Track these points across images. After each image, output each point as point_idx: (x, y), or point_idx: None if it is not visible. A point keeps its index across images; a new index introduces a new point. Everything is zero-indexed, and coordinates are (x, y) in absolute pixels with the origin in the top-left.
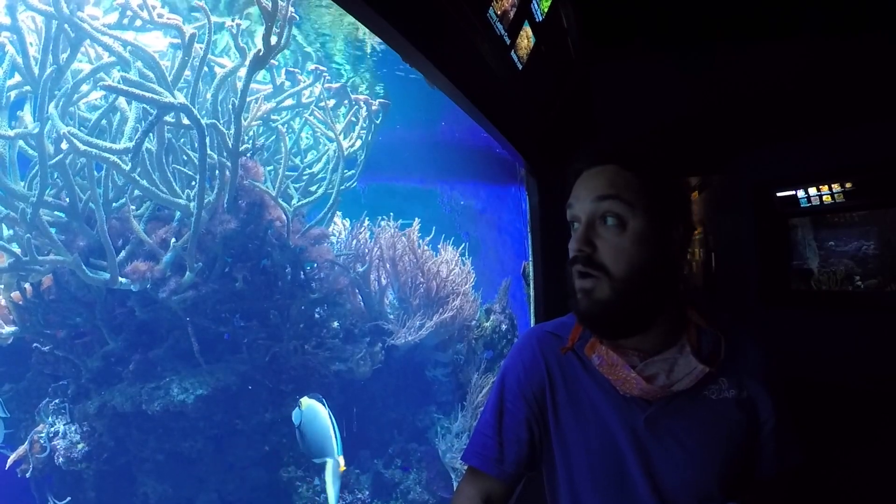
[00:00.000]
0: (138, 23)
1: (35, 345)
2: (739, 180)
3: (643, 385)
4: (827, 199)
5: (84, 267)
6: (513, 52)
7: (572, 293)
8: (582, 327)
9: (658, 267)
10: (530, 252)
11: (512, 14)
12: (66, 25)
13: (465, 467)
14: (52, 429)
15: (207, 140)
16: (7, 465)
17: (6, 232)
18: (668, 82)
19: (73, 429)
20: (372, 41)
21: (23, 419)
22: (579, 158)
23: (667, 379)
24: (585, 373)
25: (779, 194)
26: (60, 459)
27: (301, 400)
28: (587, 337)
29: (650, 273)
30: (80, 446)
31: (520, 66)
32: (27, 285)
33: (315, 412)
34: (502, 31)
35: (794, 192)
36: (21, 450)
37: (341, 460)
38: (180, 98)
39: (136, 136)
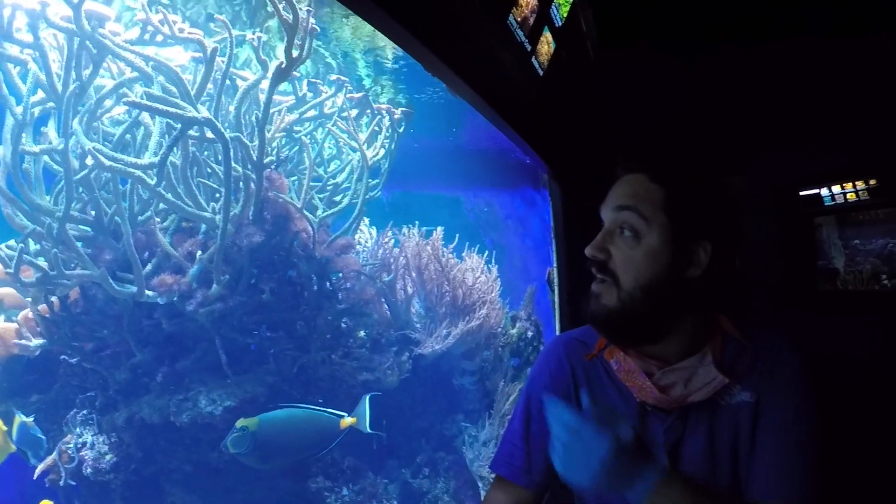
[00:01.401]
0: (159, 38)
1: (63, 357)
2: (761, 180)
3: (657, 395)
4: (851, 196)
5: (111, 280)
6: (534, 59)
7: (588, 295)
8: None
9: (667, 284)
10: (554, 258)
11: (532, 20)
12: (87, 42)
13: (493, 476)
14: (80, 439)
15: (232, 153)
16: (35, 475)
17: (33, 246)
18: (685, 83)
19: (100, 439)
20: (393, 50)
21: (50, 430)
22: (616, 163)
23: (684, 389)
24: (609, 379)
25: (802, 193)
26: (88, 470)
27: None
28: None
29: (657, 289)
30: (107, 457)
31: (541, 72)
32: (54, 299)
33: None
34: (523, 38)
35: (817, 191)
36: (49, 460)
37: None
38: (204, 112)
39: (161, 152)
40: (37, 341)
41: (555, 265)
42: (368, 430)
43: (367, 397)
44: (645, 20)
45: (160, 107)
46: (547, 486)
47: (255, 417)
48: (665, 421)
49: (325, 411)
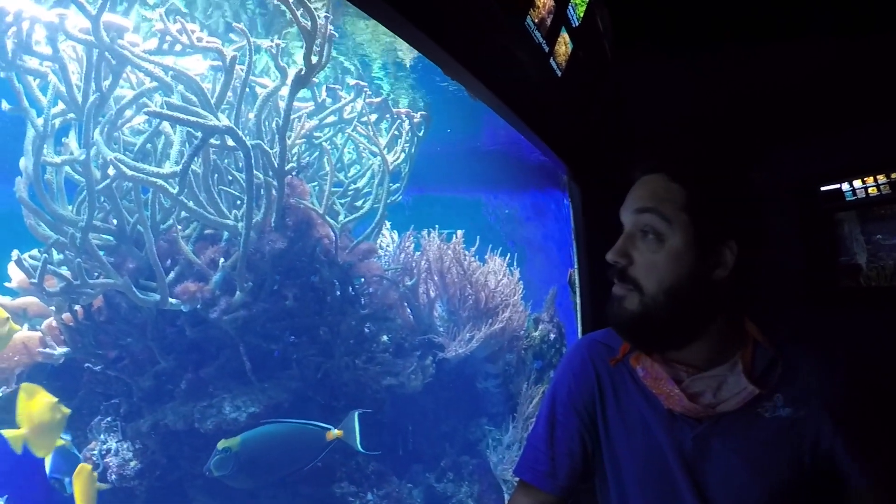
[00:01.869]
0: (178, 48)
1: (87, 365)
2: (781, 176)
3: (685, 403)
4: (872, 191)
5: (134, 289)
6: (552, 60)
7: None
8: None
9: (692, 287)
10: (575, 259)
11: (549, 21)
12: (106, 53)
13: (516, 479)
14: (104, 446)
15: (253, 160)
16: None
17: (56, 256)
18: (703, 80)
19: (125, 446)
20: (410, 52)
21: (75, 436)
22: (635, 163)
23: (713, 398)
24: (634, 385)
25: (823, 188)
26: (113, 476)
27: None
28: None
29: (681, 293)
30: (132, 463)
31: (559, 73)
32: (78, 307)
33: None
34: (540, 39)
35: (838, 186)
36: None
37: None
38: (224, 120)
39: (183, 161)
40: (61, 350)
41: (576, 266)
42: (359, 447)
43: (356, 413)
44: (661, 18)
45: (181, 116)
46: (572, 490)
47: (237, 437)
48: (695, 428)
49: (310, 424)
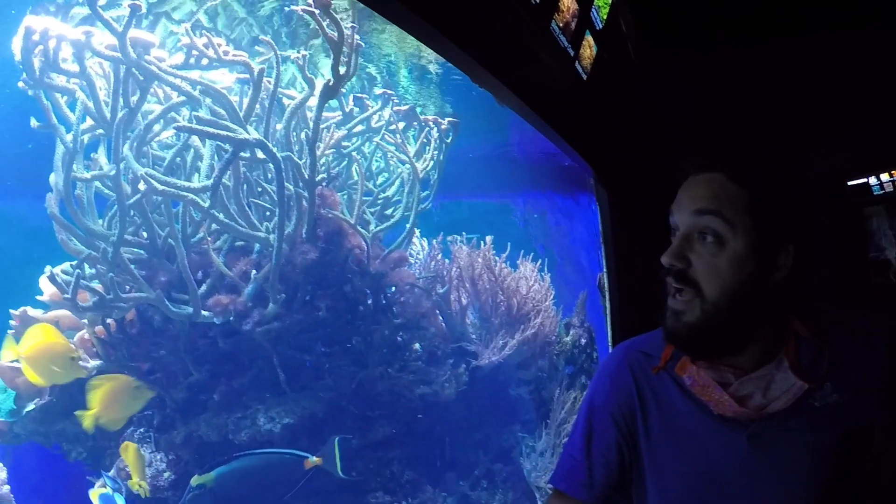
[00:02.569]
0: (204, 62)
1: None
2: (809, 172)
3: (735, 407)
4: None
5: (167, 302)
6: (577, 63)
7: (663, 307)
8: (673, 347)
9: (754, 291)
10: (604, 263)
11: (573, 25)
12: (134, 69)
13: (549, 487)
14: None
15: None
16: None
17: (88, 270)
18: (729, 78)
19: (158, 457)
20: (436, 58)
21: (108, 447)
22: (687, 160)
23: (763, 398)
24: (679, 392)
25: (850, 183)
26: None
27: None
28: (679, 355)
29: (744, 297)
30: (165, 474)
31: (584, 77)
32: (111, 321)
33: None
34: (566, 43)
35: (865, 180)
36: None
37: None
38: (254, 134)
39: (214, 175)
40: (94, 362)
41: (604, 270)
42: (340, 473)
43: (336, 439)
44: (689, 14)
45: (213, 130)
46: (608, 500)
47: (211, 473)
48: (747, 428)
49: (287, 453)
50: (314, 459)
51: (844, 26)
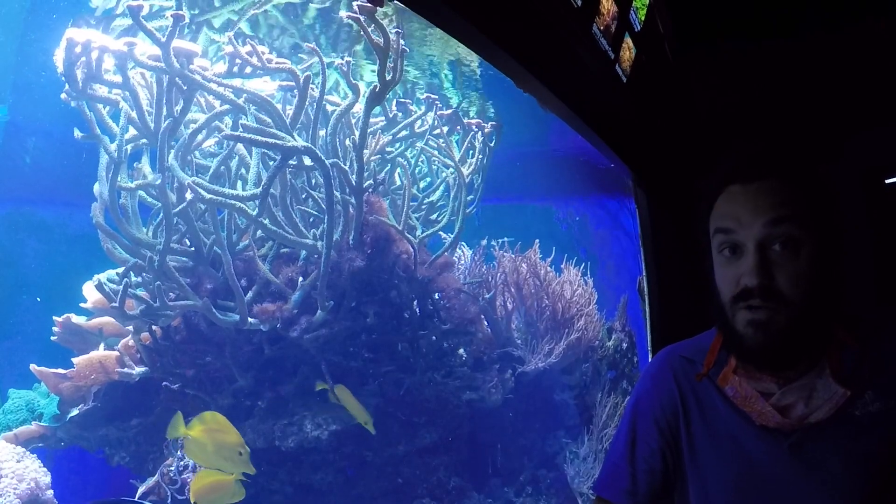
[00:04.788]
0: (248, 70)
1: (164, 383)
2: (846, 169)
3: (778, 419)
4: None
5: (214, 310)
6: (617, 66)
7: (733, 327)
8: (717, 352)
9: (834, 287)
10: (643, 266)
11: (614, 27)
12: (177, 79)
13: (593, 494)
14: (182, 462)
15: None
16: (137, 496)
17: (133, 278)
18: (766, 74)
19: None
20: (477, 63)
21: (150, 452)
22: (727, 169)
23: (805, 408)
24: (722, 400)
25: (887, 181)
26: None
27: None
28: (722, 363)
29: (828, 295)
30: None
31: (624, 79)
32: (156, 328)
33: None
34: (606, 46)
35: None
36: (151, 481)
37: None
38: (301, 141)
39: (263, 183)
40: (139, 369)
41: (644, 273)
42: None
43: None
44: (726, 10)
45: (260, 138)
46: None
47: None
48: (789, 437)
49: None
50: None
51: (879, 18)
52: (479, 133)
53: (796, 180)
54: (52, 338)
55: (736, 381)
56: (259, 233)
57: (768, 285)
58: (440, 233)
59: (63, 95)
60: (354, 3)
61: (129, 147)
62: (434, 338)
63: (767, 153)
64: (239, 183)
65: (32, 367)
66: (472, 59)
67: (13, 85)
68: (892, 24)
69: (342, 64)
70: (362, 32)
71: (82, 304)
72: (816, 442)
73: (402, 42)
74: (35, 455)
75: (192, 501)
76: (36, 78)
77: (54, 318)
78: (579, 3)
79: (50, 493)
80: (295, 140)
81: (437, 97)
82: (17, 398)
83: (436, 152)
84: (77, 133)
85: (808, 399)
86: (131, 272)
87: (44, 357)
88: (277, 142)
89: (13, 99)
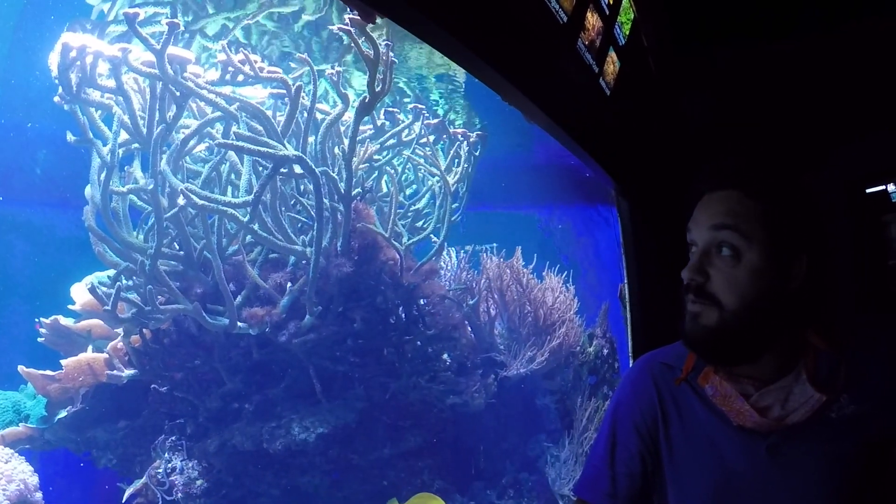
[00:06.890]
0: (240, 78)
1: (153, 386)
2: (829, 179)
3: (756, 418)
4: None
5: (204, 314)
6: (601, 79)
7: (682, 315)
8: (695, 357)
9: (770, 300)
10: (625, 273)
11: (598, 42)
12: (170, 86)
13: (574, 496)
14: (169, 465)
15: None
16: (124, 499)
17: (125, 283)
18: (749, 84)
19: (190, 465)
20: (464, 73)
21: (138, 454)
22: (701, 179)
23: (781, 410)
24: (701, 404)
25: (868, 190)
26: (179, 494)
27: None
28: (701, 367)
29: (761, 307)
30: (198, 482)
31: (608, 92)
32: (146, 331)
33: None
34: (591, 61)
35: (883, 187)
36: (139, 484)
37: None
38: (292, 150)
39: (255, 191)
40: (128, 372)
41: (625, 281)
42: None
43: None
44: (711, 22)
45: (252, 147)
46: None
47: None
48: (767, 439)
49: None
50: None
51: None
52: (465, 142)
53: (757, 194)
54: (40, 339)
55: (716, 380)
56: (248, 238)
57: (702, 284)
58: (431, 236)
59: (56, 98)
60: (346, 16)
61: (120, 151)
62: (419, 343)
63: (732, 166)
64: (229, 188)
65: (20, 368)
66: (458, 71)
67: (3, 85)
68: (891, 26)
69: (332, 74)
70: (353, 44)
71: (70, 307)
72: (793, 444)
73: (391, 54)
74: (23, 457)
75: None
76: (26, 79)
77: (42, 319)
78: (565, 18)
79: (39, 494)
80: (286, 149)
81: (424, 107)
82: (4, 399)
83: (422, 161)
84: (70, 136)
85: (784, 401)
86: (122, 276)
87: (30, 359)
88: (270, 150)
89: (3, 100)
